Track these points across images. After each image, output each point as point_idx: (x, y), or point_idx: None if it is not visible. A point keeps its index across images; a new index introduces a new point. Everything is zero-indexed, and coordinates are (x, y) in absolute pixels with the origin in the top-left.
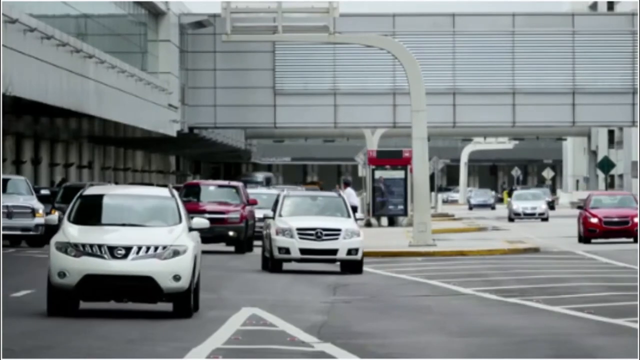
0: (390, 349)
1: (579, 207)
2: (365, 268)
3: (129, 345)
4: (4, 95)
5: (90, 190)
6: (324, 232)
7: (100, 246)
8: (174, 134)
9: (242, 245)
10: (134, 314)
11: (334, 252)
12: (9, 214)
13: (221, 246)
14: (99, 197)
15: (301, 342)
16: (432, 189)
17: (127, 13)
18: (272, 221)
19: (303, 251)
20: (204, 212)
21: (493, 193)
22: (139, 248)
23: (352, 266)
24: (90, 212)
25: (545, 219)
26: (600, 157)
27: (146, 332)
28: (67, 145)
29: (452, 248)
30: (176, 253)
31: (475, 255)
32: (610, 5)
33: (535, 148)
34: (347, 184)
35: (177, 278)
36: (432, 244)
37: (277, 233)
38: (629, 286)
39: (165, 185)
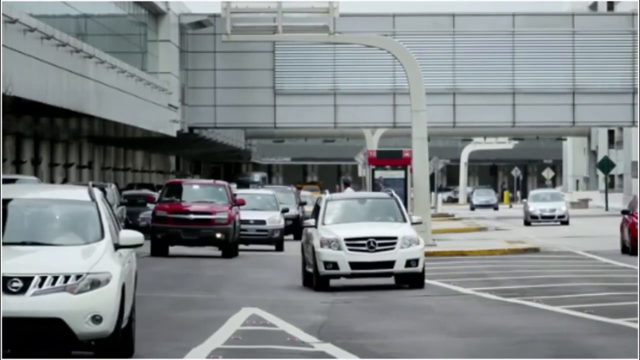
0: (390, 349)
1: (624, 212)
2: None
3: None
4: (4, 95)
5: None
6: (378, 242)
7: None
8: (174, 134)
9: (230, 248)
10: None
11: (390, 264)
12: None
13: (205, 250)
14: None
15: (301, 342)
16: (432, 189)
17: (127, 13)
18: (315, 230)
19: (354, 265)
20: (188, 212)
21: (494, 191)
22: (43, 278)
23: (411, 280)
24: None
25: (566, 222)
26: (600, 157)
27: (146, 332)
28: (67, 146)
29: (452, 248)
30: (95, 284)
31: (475, 255)
32: (610, 5)
33: (535, 148)
34: (347, 184)
35: (96, 319)
36: (432, 244)
37: (321, 245)
38: (629, 286)
39: (85, 185)
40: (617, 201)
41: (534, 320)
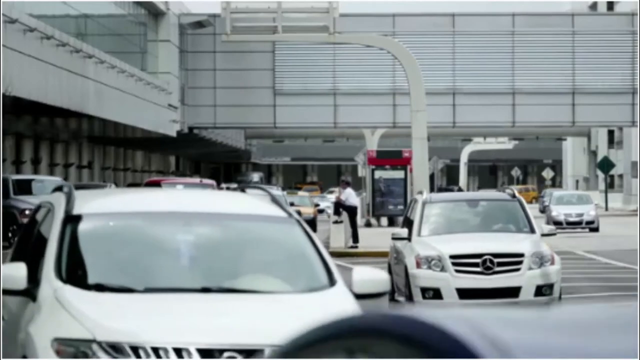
0: None
1: None
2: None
3: None
4: (4, 95)
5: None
6: (497, 260)
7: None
8: (174, 134)
9: None
10: None
11: (514, 292)
12: None
13: None
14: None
15: None
16: (432, 189)
17: (127, 13)
18: (408, 244)
19: (463, 293)
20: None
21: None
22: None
23: None
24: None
25: (596, 229)
26: (600, 157)
27: None
28: (67, 146)
29: None
30: None
31: None
32: (610, 5)
33: (535, 148)
34: (346, 184)
35: None
36: None
37: (418, 265)
38: (629, 286)
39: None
40: (617, 201)
41: None
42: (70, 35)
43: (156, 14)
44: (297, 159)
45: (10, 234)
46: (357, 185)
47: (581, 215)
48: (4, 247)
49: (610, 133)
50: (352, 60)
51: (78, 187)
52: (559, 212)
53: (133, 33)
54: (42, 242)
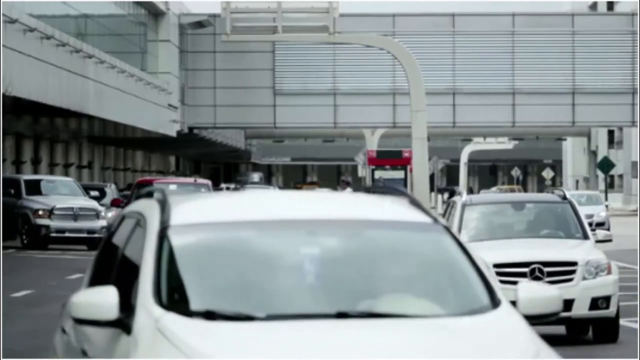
0: None
1: None
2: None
3: None
4: (4, 95)
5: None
6: (547, 270)
7: None
8: (174, 134)
9: None
10: None
11: (566, 305)
12: (75, 216)
13: None
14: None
15: None
16: (432, 189)
17: (127, 13)
18: None
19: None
20: None
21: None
22: None
23: (600, 328)
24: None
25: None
26: (600, 157)
27: None
28: (67, 146)
29: None
30: None
31: None
32: (610, 5)
33: (535, 148)
34: (347, 184)
35: None
36: None
37: None
38: (629, 286)
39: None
40: (617, 201)
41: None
42: (70, 35)
43: (156, 14)
44: (297, 159)
45: (24, 236)
46: (357, 185)
47: (591, 216)
48: (17, 248)
49: (610, 133)
50: (352, 60)
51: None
52: None
53: (133, 33)
54: (133, 260)
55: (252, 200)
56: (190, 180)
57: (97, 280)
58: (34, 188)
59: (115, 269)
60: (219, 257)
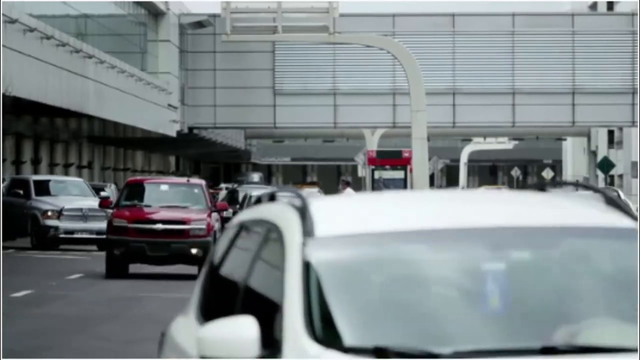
0: None
1: None
2: None
3: (129, 345)
4: (4, 95)
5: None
6: None
7: None
8: (174, 134)
9: None
10: (135, 314)
11: None
12: (84, 217)
13: (177, 268)
14: None
15: None
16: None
17: (127, 13)
18: None
19: None
20: (155, 220)
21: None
22: None
23: None
24: None
25: None
26: (600, 157)
27: (146, 332)
28: (67, 146)
29: None
30: None
31: None
32: (610, 5)
33: (535, 148)
34: (347, 184)
35: None
36: None
37: None
38: None
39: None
40: None
41: None
42: (70, 35)
43: (156, 14)
44: (297, 159)
45: (34, 238)
46: (357, 185)
47: None
48: (26, 249)
49: (610, 133)
50: (352, 60)
51: None
52: None
53: (133, 33)
54: (267, 284)
55: (413, 202)
56: (183, 180)
57: (212, 309)
58: (43, 189)
59: (241, 294)
60: (382, 278)
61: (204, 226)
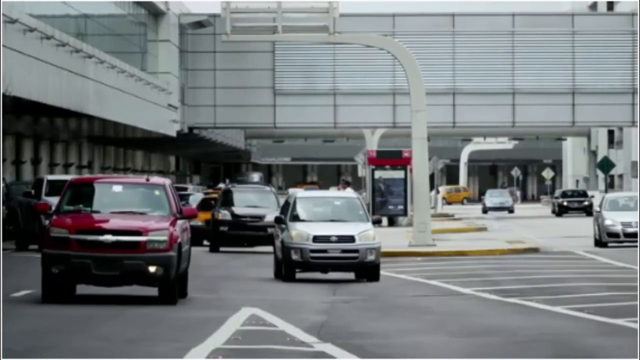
0: (390, 349)
1: None
2: None
3: (129, 345)
4: (4, 95)
5: None
6: None
7: None
8: (174, 134)
9: (172, 289)
10: (135, 314)
11: None
12: None
13: (133, 289)
14: None
15: (301, 342)
16: (431, 189)
17: (127, 13)
18: None
19: None
20: (103, 230)
21: (508, 192)
22: None
23: None
24: None
25: None
26: (600, 157)
27: (146, 332)
28: (67, 146)
29: (452, 248)
30: None
31: (475, 255)
32: (610, 5)
33: (535, 148)
34: (347, 184)
35: None
36: (432, 244)
37: None
38: (629, 286)
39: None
40: None
41: (534, 320)
42: (70, 35)
43: (156, 14)
44: (297, 159)
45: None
46: (357, 185)
47: None
48: (32, 249)
49: (610, 133)
50: (352, 60)
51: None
52: (614, 220)
53: (133, 33)
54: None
55: None
56: (141, 179)
57: None
58: (57, 189)
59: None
60: None
61: (164, 237)
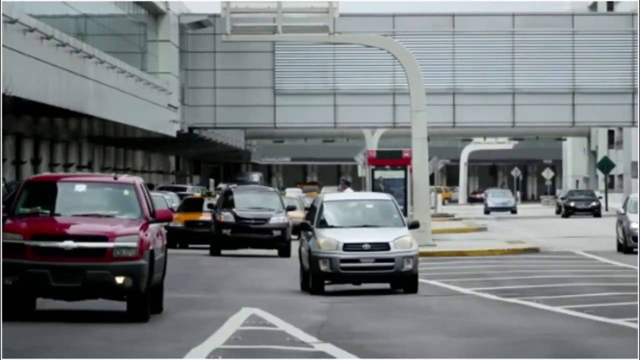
0: (390, 349)
1: None
2: None
3: (129, 345)
4: (4, 95)
5: None
6: None
7: None
8: (174, 134)
9: (143, 303)
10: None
11: None
12: None
13: (99, 304)
14: None
15: (301, 342)
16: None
17: (127, 13)
18: None
19: None
20: (63, 236)
21: (510, 192)
22: None
23: None
24: None
25: None
26: (600, 157)
27: (146, 332)
28: (67, 146)
29: (452, 248)
30: None
31: (475, 255)
32: (610, 5)
33: (535, 148)
34: (347, 184)
35: None
36: (432, 244)
37: None
38: (629, 286)
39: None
40: (617, 201)
41: (534, 320)
42: (70, 35)
43: (156, 14)
44: (297, 159)
45: None
46: (357, 185)
47: None
48: None
49: (610, 133)
50: (352, 60)
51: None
52: None
53: (133, 33)
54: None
55: None
56: (109, 178)
57: None
58: None
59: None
60: None
61: (134, 244)
